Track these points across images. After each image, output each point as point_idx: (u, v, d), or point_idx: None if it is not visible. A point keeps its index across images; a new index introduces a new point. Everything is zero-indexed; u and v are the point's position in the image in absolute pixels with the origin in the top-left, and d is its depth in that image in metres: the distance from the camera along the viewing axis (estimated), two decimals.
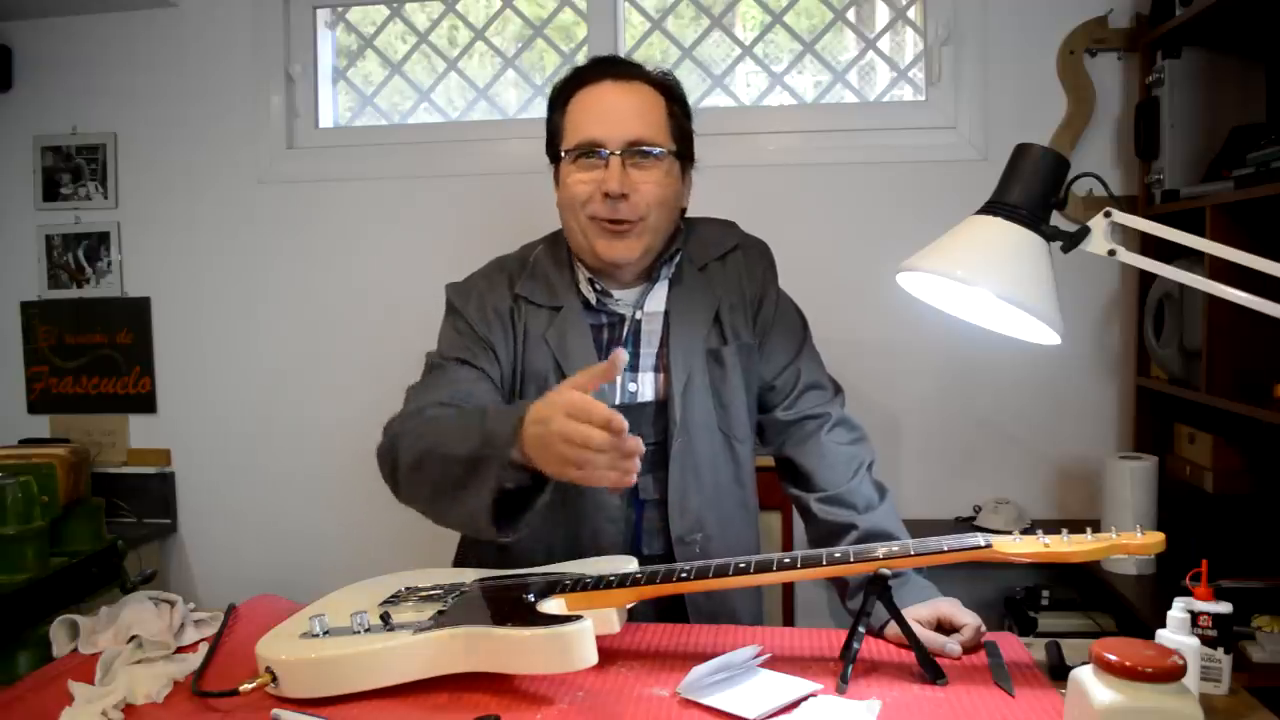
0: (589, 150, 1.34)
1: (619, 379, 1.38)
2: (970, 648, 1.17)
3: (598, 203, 1.33)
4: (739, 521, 1.45)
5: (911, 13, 2.45)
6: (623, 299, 1.41)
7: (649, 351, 1.40)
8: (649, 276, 1.42)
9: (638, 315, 1.40)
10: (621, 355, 1.05)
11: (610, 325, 1.41)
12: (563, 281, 1.41)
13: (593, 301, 1.40)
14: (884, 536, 1.27)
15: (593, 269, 1.40)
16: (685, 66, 2.52)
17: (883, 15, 2.51)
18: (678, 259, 1.42)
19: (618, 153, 1.32)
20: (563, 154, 1.37)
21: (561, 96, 1.40)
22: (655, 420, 1.39)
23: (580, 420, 0.99)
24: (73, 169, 2.68)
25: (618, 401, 1.38)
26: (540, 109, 2.58)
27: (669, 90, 1.39)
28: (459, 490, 1.13)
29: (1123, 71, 2.31)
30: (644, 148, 1.33)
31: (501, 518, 1.12)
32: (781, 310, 1.48)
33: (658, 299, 1.41)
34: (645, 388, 1.39)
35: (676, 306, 1.40)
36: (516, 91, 2.63)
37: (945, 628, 1.21)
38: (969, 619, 1.20)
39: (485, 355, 1.38)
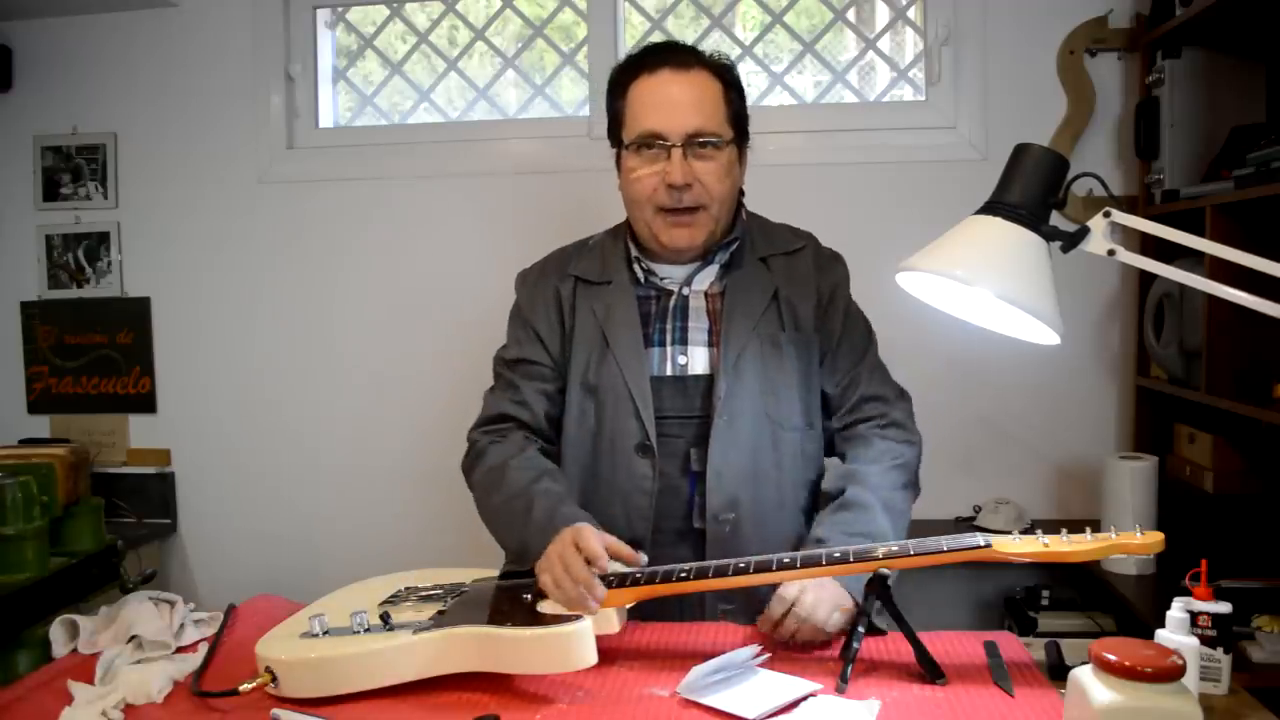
0: (650, 141, 1.37)
1: (669, 351, 1.42)
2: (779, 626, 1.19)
3: (662, 193, 1.38)
4: (775, 511, 1.41)
5: (911, 13, 2.45)
6: (668, 276, 1.46)
7: (699, 326, 1.43)
8: (702, 256, 1.45)
9: (684, 291, 1.44)
10: (642, 559, 1.20)
11: (656, 298, 1.45)
12: (616, 258, 1.48)
13: (641, 278, 1.46)
14: (860, 507, 1.31)
15: (648, 251, 1.46)
16: None
17: (883, 15, 2.51)
18: (734, 246, 1.46)
19: (679, 144, 1.35)
20: (625, 143, 1.41)
21: (620, 83, 1.43)
22: (705, 395, 1.40)
23: (579, 553, 1.15)
24: (73, 169, 2.68)
25: (669, 373, 1.42)
26: (540, 109, 2.62)
27: (725, 75, 1.42)
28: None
29: (1123, 71, 2.31)
30: (704, 139, 1.37)
31: None
32: (850, 321, 1.50)
33: (706, 279, 1.45)
34: (697, 362, 1.42)
35: (733, 289, 1.43)
36: (516, 91, 2.63)
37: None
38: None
39: (532, 343, 1.47)
